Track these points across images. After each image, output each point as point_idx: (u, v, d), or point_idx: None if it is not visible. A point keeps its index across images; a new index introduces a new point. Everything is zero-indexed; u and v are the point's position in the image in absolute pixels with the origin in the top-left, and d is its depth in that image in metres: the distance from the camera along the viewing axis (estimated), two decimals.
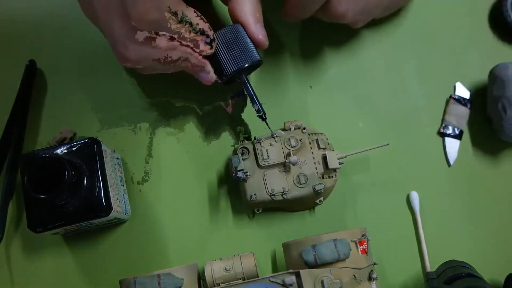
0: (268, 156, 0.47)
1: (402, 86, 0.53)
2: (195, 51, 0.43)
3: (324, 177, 0.47)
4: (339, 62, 0.54)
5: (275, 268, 0.49)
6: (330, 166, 0.46)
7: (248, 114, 0.52)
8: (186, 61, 0.43)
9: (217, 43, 0.44)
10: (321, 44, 0.54)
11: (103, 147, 0.46)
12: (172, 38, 0.41)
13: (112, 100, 0.53)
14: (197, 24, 0.42)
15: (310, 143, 0.48)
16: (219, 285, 0.43)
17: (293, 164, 0.46)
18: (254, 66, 0.46)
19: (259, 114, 0.47)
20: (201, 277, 0.44)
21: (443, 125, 0.52)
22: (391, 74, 0.54)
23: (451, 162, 0.51)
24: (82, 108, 0.53)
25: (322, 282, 0.39)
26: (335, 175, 0.48)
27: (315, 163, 0.47)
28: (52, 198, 0.42)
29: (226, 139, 0.52)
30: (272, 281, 0.40)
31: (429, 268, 0.48)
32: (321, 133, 0.49)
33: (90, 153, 0.45)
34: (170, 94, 0.53)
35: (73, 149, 0.45)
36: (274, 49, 0.54)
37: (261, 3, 0.45)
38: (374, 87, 0.53)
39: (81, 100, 0.53)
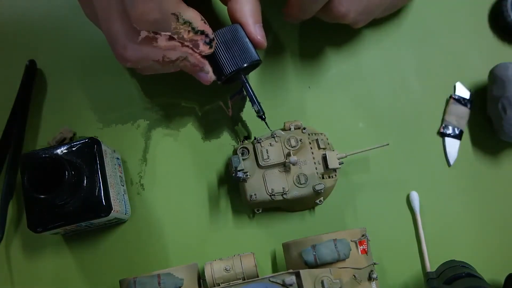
0: (268, 156, 0.47)
1: (402, 86, 0.53)
2: (195, 51, 0.42)
3: (324, 177, 0.47)
4: (339, 62, 0.54)
5: (275, 268, 0.49)
6: (330, 166, 0.46)
7: (248, 114, 0.52)
8: (186, 61, 0.43)
9: (216, 43, 0.44)
10: (321, 44, 0.54)
11: (103, 147, 0.46)
12: (171, 38, 0.41)
13: (112, 100, 0.53)
14: (197, 24, 0.42)
15: (310, 143, 0.48)
16: (219, 285, 0.43)
17: (293, 164, 0.46)
18: (253, 66, 0.46)
19: (259, 114, 0.47)
20: (201, 277, 0.44)
21: (443, 125, 0.52)
22: (391, 74, 0.54)
23: (451, 162, 0.51)
24: (82, 108, 0.53)
25: (322, 282, 0.39)
26: (335, 175, 0.48)
27: (315, 163, 0.47)
28: (52, 198, 0.42)
29: (226, 139, 0.52)
30: (272, 281, 0.39)
31: (429, 268, 0.48)
32: (321, 133, 0.49)
33: (90, 153, 0.45)
34: (170, 94, 0.53)
35: (73, 149, 0.45)
36: (274, 49, 0.54)
37: (260, 4, 0.45)
38: (374, 87, 0.53)
39: (81, 100, 0.53)
